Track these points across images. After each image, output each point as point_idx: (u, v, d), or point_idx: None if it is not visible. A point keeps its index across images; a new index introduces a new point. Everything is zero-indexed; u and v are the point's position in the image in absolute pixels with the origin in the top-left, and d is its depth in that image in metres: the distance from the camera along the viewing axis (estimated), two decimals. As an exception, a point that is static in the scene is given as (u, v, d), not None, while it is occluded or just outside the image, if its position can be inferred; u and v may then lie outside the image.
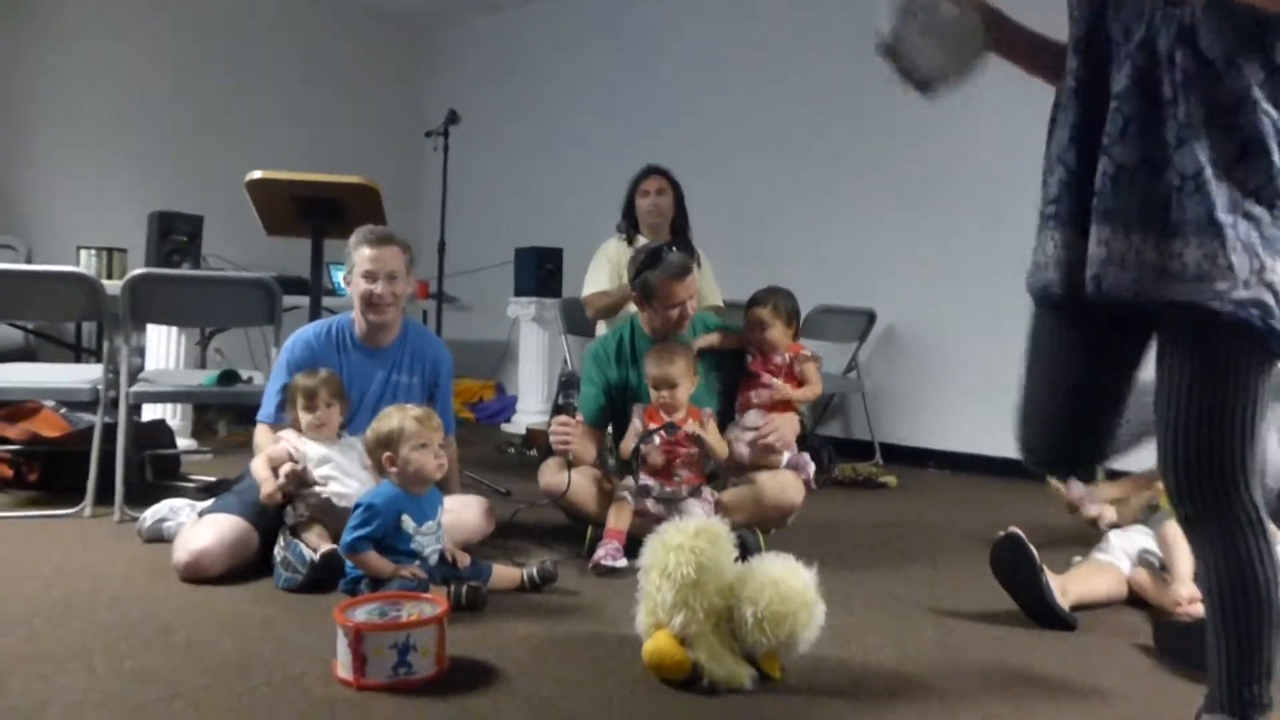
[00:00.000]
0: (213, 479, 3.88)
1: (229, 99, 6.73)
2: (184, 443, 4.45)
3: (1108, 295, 1.46)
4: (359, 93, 7.49)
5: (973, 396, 5.05)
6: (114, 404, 3.39)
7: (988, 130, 4.92)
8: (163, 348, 4.65)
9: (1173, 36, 1.41)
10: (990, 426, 4.93)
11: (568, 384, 2.91)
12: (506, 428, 6.06)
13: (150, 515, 3.02)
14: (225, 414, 5.52)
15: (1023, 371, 1.72)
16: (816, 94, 5.64)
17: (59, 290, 3.45)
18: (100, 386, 3.39)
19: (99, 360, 4.56)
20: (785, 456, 3.03)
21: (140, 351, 4.53)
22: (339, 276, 5.34)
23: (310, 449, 2.66)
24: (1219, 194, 1.38)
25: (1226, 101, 1.38)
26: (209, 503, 2.83)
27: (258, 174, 3.31)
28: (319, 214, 3.46)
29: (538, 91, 7.21)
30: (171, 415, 4.57)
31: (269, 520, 2.63)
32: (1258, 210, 1.38)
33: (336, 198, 3.41)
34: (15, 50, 5.91)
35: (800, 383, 3.15)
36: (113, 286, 3.51)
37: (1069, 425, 1.69)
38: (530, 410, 5.90)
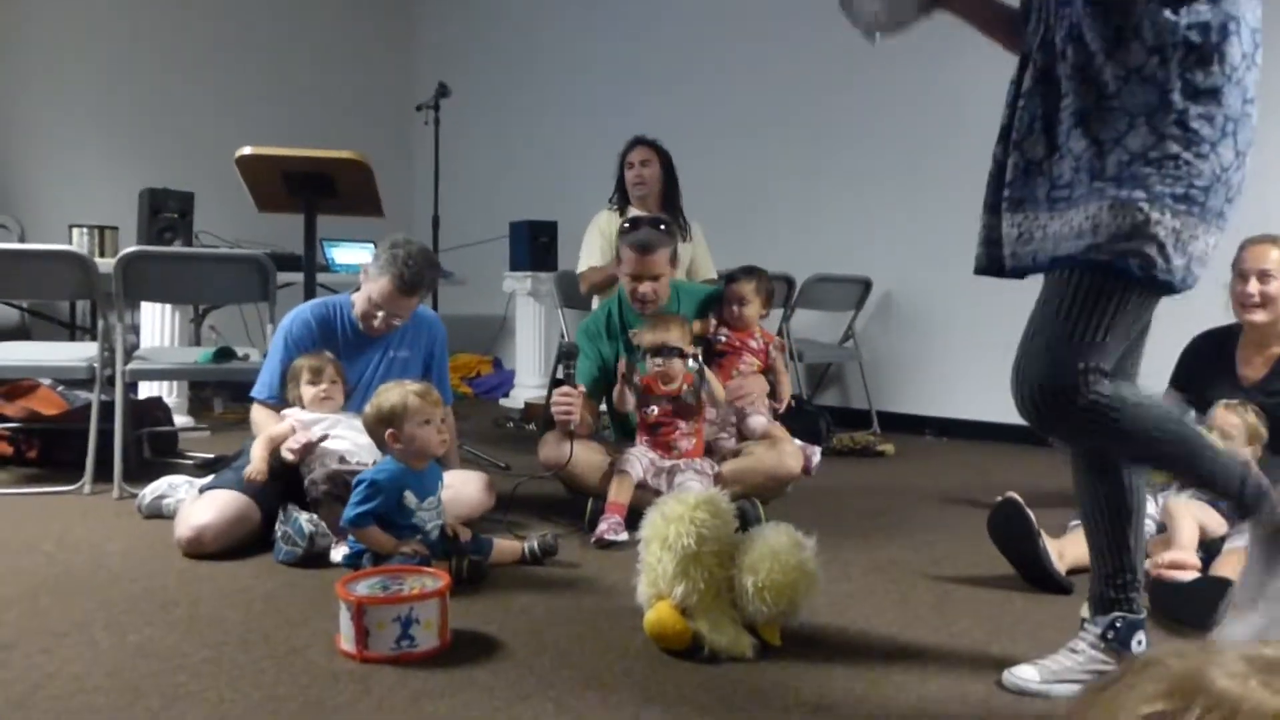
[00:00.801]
0: (210, 456, 3.89)
1: (218, 74, 6.67)
2: (180, 420, 4.45)
3: (1018, 269, 1.69)
4: (348, 66, 7.42)
5: (968, 363, 5.06)
6: (110, 382, 3.39)
7: (983, 96, 4.88)
8: (157, 325, 4.64)
9: (1064, 34, 1.58)
10: (986, 392, 4.94)
11: (567, 355, 2.92)
12: (504, 402, 6.06)
13: (149, 492, 3.03)
14: (221, 391, 5.52)
15: None
16: (811, 60, 5.60)
17: (53, 269, 3.44)
18: (96, 364, 3.39)
19: (94, 338, 4.56)
20: (760, 419, 3.07)
21: (135, 329, 4.52)
22: (332, 252, 5.34)
23: (315, 418, 2.68)
24: (1105, 165, 1.53)
25: (1110, 87, 1.53)
26: (209, 479, 2.83)
27: (247, 150, 3.28)
28: (310, 189, 3.43)
29: (528, 62, 7.15)
30: (168, 393, 4.57)
31: (270, 496, 2.64)
32: (1145, 170, 1.50)
33: (328, 173, 3.38)
34: (3, 30, 5.84)
35: (768, 368, 3.23)
36: (106, 265, 3.49)
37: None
38: (528, 384, 5.90)
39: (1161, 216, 1.49)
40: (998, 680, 1.79)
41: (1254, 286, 2.81)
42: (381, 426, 2.38)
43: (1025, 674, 1.77)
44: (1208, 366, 2.99)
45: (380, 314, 2.84)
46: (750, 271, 3.27)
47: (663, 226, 3.23)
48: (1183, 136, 1.49)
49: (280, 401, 2.84)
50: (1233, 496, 1.67)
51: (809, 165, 5.65)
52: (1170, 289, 1.55)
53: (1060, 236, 1.59)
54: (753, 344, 3.20)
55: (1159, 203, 1.49)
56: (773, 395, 3.21)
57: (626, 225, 3.21)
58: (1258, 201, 3.79)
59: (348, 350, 2.91)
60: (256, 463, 2.63)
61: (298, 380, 2.75)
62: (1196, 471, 1.68)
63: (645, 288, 3.07)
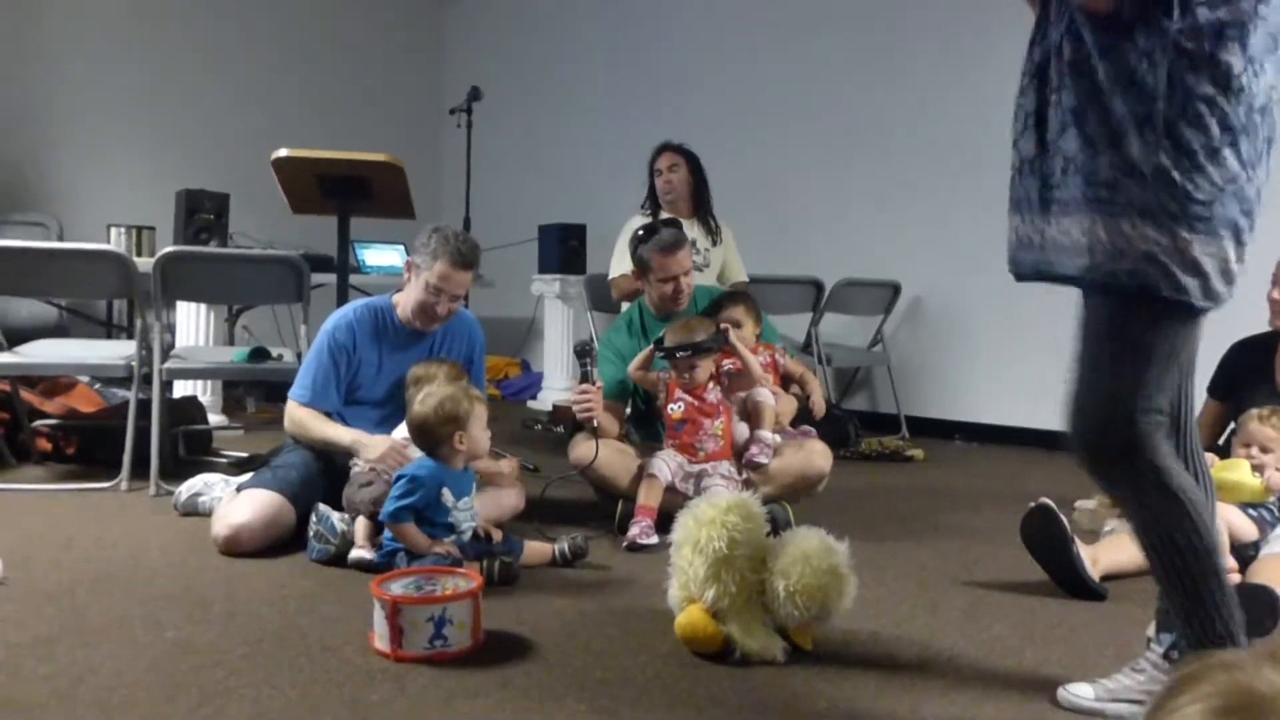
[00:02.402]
0: (244, 454, 3.93)
1: (253, 77, 6.75)
2: (214, 419, 4.50)
3: (1022, 277, 1.64)
4: (381, 69, 7.50)
5: (998, 368, 5.03)
6: (147, 380, 3.44)
7: (997, 98, 4.86)
8: (192, 325, 4.70)
9: (1062, 30, 1.52)
10: (1015, 397, 4.91)
11: (582, 353, 2.95)
12: (532, 404, 6.08)
13: (185, 489, 3.07)
14: (254, 390, 5.57)
15: None
16: (842, 62, 5.59)
17: (92, 268, 3.50)
18: (134, 363, 3.43)
19: (130, 337, 4.62)
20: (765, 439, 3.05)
21: (170, 328, 4.58)
22: (363, 254, 5.38)
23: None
24: (1097, 168, 1.47)
25: (1103, 85, 1.46)
26: (246, 477, 2.87)
27: (283, 152, 3.32)
28: (344, 192, 3.47)
29: (558, 65, 7.18)
30: (202, 392, 4.63)
31: (305, 496, 2.66)
32: (1136, 185, 1.44)
33: (362, 175, 3.42)
34: (43, 31, 5.94)
35: (784, 376, 3.26)
36: (144, 264, 3.54)
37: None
38: (556, 387, 5.92)
39: (1157, 234, 1.43)
40: (1050, 698, 1.74)
41: None
42: (448, 426, 2.39)
43: (1081, 692, 1.71)
44: (1246, 375, 2.96)
45: (441, 298, 2.84)
46: (736, 296, 3.29)
47: (670, 224, 3.28)
48: (1171, 149, 1.42)
49: (323, 406, 2.85)
50: (1197, 641, 1.56)
51: (839, 168, 5.63)
52: (1189, 309, 1.47)
53: (1059, 247, 1.54)
54: (762, 359, 3.19)
55: (1152, 221, 1.43)
56: (807, 402, 3.23)
57: (640, 233, 3.23)
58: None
59: (393, 352, 2.92)
60: (369, 450, 2.65)
61: (429, 383, 2.66)
62: (1190, 590, 1.55)
63: (680, 285, 3.12)
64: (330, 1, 7.25)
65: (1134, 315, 1.50)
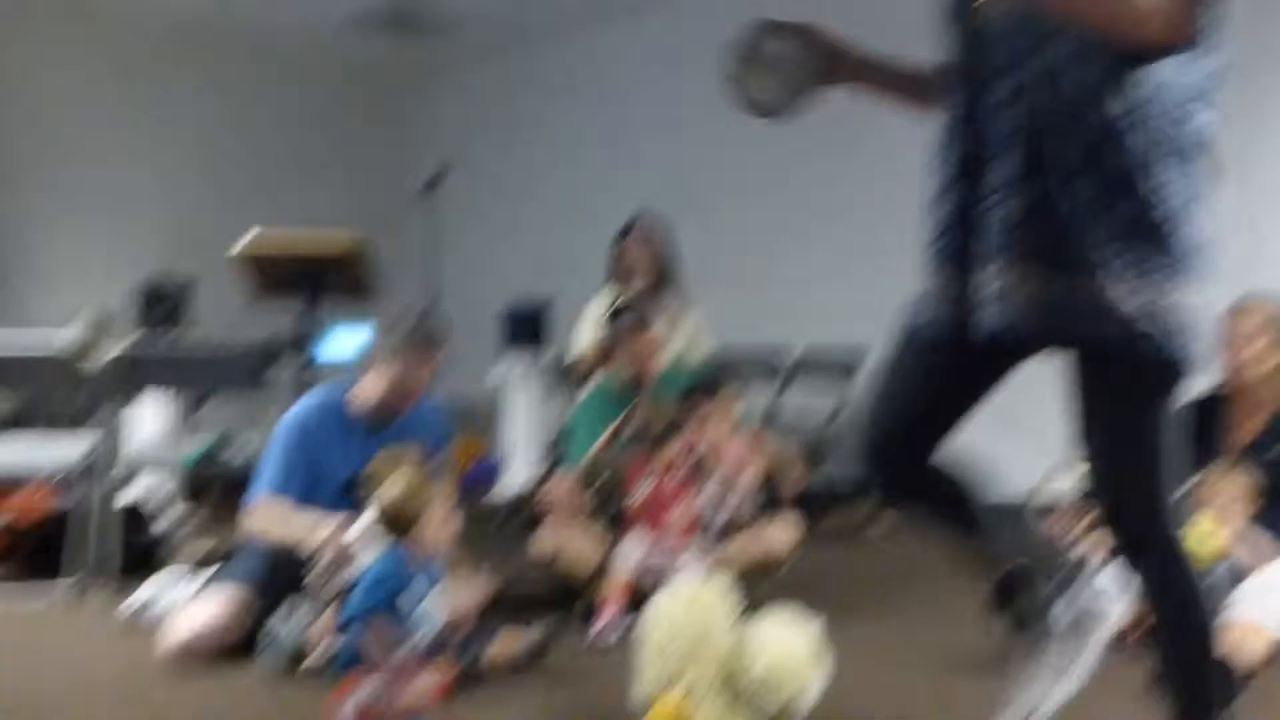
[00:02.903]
0: (202, 551, 3.83)
1: (219, 160, 6.78)
2: (172, 513, 4.40)
3: (998, 333, 1.50)
4: (343, 151, 7.53)
5: (961, 436, 5.04)
6: (102, 475, 3.36)
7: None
8: (150, 415, 4.61)
9: (1038, 77, 1.46)
10: (979, 465, 4.92)
11: (553, 442, 2.94)
12: (495, 488, 6.01)
13: (143, 592, 2.98)
14: (214, 483, 5.46)
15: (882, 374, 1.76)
16: (807, 131, 5.67)
17: (50, 360, 3.44)
18: (91, 459, 3.37)
19: (88, 429, 4.54)
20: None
21: (128, 418, 4.50)
22: (328, 338, 5.33)
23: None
24: (1095, 230, 1.42)
25: (1091, 139, 1.42)
26: (202, 578, 2.80)
27: (246, 240, 3.32)
28: (309, 277, 3.46)
29: (522, 144, 7.27)
30: (160, 485, 4.53)
31: (269, 592, 2.59)
32: (1136, 242, 1.42)
33: (326, 260, 3.41)
34: (4, 121, 5.94)
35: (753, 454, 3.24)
36: (102, 355, 3.50)
37: (905, 434, 1.72)
38: (519, 471, 5.85)
39: (1143, 290, 1.41)
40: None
41: (1232, 351, 2.85)
42: (393, 518, 2.36)
43: None
44: (1200, 432, 2.99)
45: (407, 386, 2.81)
46: (713, 386, 3.28)
47: (633, 306, 3.32)
48: (1162, 204, 1.41)
49: (283, 501, 2.80)
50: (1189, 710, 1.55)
51: (806, 236, 5.70)
52: (1174, 370, 1.46)
53: (1054, 308, 1.46)
54: (736, 448, 3.19)
55: (1143, 277, 1.41)
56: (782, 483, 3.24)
57: (610, 311, 3.28)
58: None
59: (354, 443, 2.87)
60: (321, 532, 2.58)
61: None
62: (1193, 660, 1.57)
63: (645, 367, 3.14)
64: (295, 83, 7.31)
65: (1139, 380, 1.48)
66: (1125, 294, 1.41)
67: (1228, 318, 2.88)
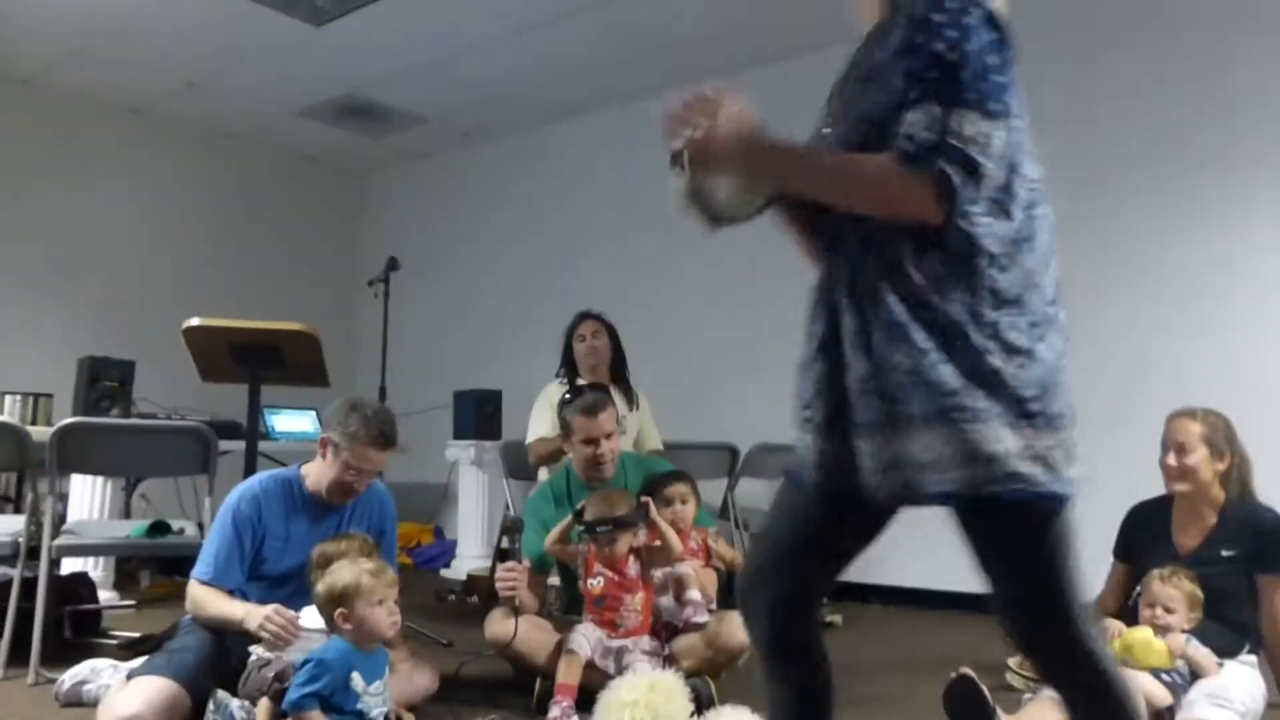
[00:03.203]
0: (136, 635, 3.70)
1: (166, 242, 6.74)
2: (105, 595, 4.25)
3: (878, 498, 1.51)
4: (294, 238, 7.55)
5: (914, 528, 5.02)
6: (34, 554, 3.24)
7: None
8: (87, 494, 4.48)
9: (861, 242, 1.52)
10: (930, 559, 4.94)
11: (511, 529, 2.90)
12: (446, 573, 5.91)
13: (69, 677, 2.86)
14: (149, 563, 5.30)
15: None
16: (748, 229, 5.82)
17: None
18: (22, 539, 3.25)
19: (17, 509, 4.39)
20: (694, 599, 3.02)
21: (63, 497, 4.37)
22: (272, 420, 5.27)
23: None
24: (940, 380, 1.43)
25: (920, 296, 1.45)
26: (137, 663, 2.69)
27: (195, 321, 3.29)
28: (257, 360, 3.43)
29: (472, 236, 7.35)
30: (93, 566, 4.38)
31: (203, 683, 2.50)
32: (972, 389, 1.42)
33: (275, 344, 3.39)
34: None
35: (711, 555, 3.26)
36: (39, 434, 3.41)
37: (784, 589, 1.71)
38: (470, 555, 5.78)
39: (1011, 438, 1.41)
40: None
41: (1173, 459, 2.91)
42: (332, 605, 2.30)
43: None
44: (1145, 536, 3.05)
45: (360, 477, 2.79)
46: (678, 475, 3.30)
47: (594, 389, 3.32)
48: (1000, 349, 1.43)
49: (226, 584, 2.72)
50: None
51: (750, 336, 5.78)
52: (1054, 500, 1.44)
53: (924, 467, 1.45)
54: (691, 544, 3.19)
55: (996, 422, 1.41)
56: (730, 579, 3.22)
57: (567, 396, 3.28)
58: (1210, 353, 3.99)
59: (301, 524, 2.83)
60: (256, 617, 2.50)
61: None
62: None
63: (601, 448, 3.12)
64: (247, 170, 7.34)
65: (1022, 522, 1.46)
66: (976, 444, 1.41)
67: (1168, 427, 2.97)
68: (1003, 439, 1.40)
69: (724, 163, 1.50)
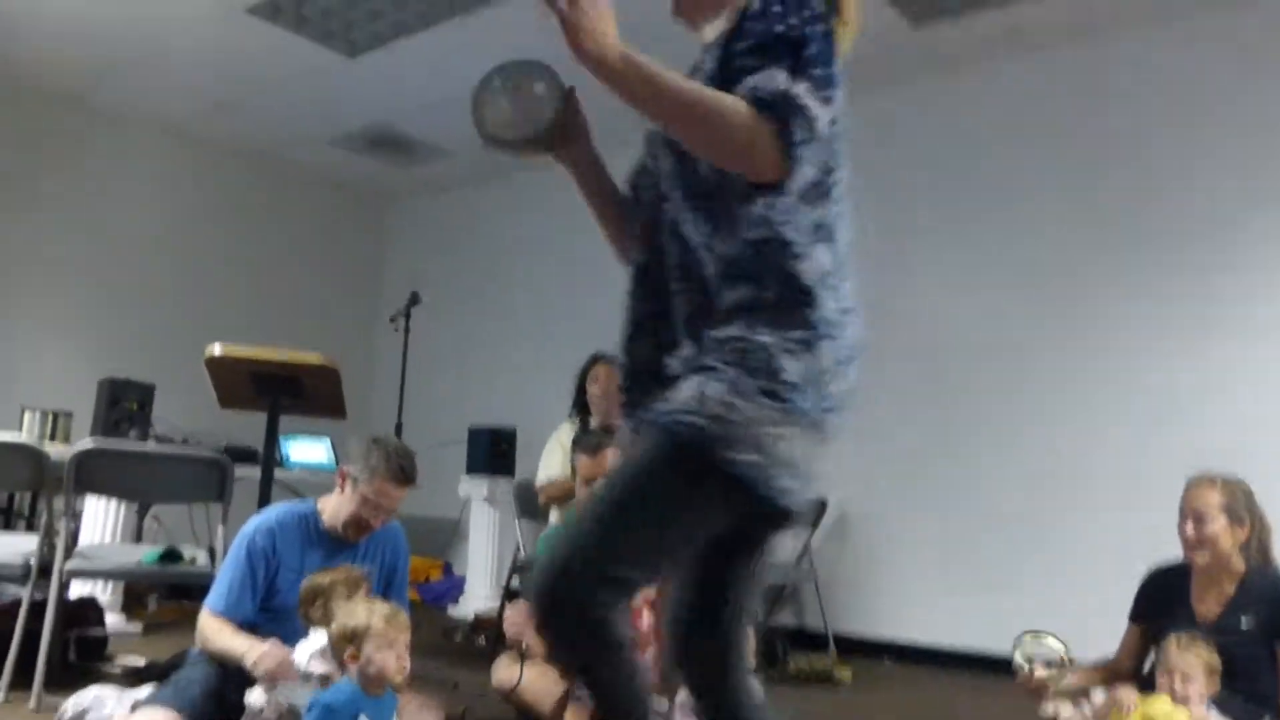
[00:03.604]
0: (141, 662, 3.68)
1: (190, 269, 6.80)
2: (112, 618, 4.24)
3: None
4: (317, 264, 7.60)
5: (926, 587, 5.03)
6: (43, 573, 3.23)
7: (933, 313, 5.11)
8: (99, 516, 4.49)
9: (670, 223, 1.56)
10: (944, 617, 4.90)
11: (522, 569, 2.88)
12: (454, 610, 5.87)
13: (72, 705, 2.83)
14: (157, 587, 5.29)
15: None
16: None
17: (1, 459, 3.36)
18: (34, 560, 3.25)
19: (30, 528, 4.40)
20: None
21: (76, 516, 4.38)
22: (288, 447, 5.27)
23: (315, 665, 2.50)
24: (685, 350, 1.48)
25: (711, 284, 1.48)
26: (142, 692, 2.67)
27: (218, 349, 3.31)
28: (276, 390, 3.44)
29: (492, 271, 7.38)
30: (101, 589, 4.37)
31: (208, 717, 2.48)
32: (731, 356, 1.42)
33: (295, 375, 3.40)
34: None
35: None
36: (56, 452, 3.42)
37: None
38: (479, 595, 5.73)
39: (735, 400, 1.39)
40: None
41: (1191, 528, 2.87)
42: (343, 644, 2.29)
43: None
44: (1163, 602, 3.01)
45: (378, 513, 2.80)
46: None
47: (607, 430, 3.33)
48: (774, 332, 1.42)
49: (238, 615, 2.71)
50: None
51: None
52: (745, 484, 1.40)
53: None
54: None
55: (736, 386, 1.39)
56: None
57: (578, 441, 3.31)
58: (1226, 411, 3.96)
59: (316, 559, 2.81)
60: (255, 654, 2.48)
61: (328, 598, 2.58)
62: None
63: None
64: (273, 201, 7.41)
65: (665, 462, 1.43)
66: (689, 394, 1.41)
67: (1186, 494, 2.93)
68: (732, 403, 1.40)
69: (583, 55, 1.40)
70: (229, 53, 5.57)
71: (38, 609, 3.20)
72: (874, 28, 4.59)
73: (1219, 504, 2.85)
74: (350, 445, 2.85)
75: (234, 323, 6.01)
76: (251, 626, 2.72)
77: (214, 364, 3.33)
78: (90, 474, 3.36)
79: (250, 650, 2.53)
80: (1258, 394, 4.27)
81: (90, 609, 3.90)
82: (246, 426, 3.96)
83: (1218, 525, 2.84)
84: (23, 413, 4.44)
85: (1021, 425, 4.86)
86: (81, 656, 3.67)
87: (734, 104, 1.42)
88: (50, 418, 4.49)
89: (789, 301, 1.44)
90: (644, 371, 1.58)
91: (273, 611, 2.77)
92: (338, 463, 4.77)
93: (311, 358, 3.38)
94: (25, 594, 3.25)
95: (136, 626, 4.50)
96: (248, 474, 3.84)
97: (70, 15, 5.20)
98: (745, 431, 1.38)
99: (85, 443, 3.42)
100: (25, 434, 4.27)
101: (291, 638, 2.64)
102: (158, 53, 5.61)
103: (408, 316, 5.05)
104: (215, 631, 2.68)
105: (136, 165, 6.66)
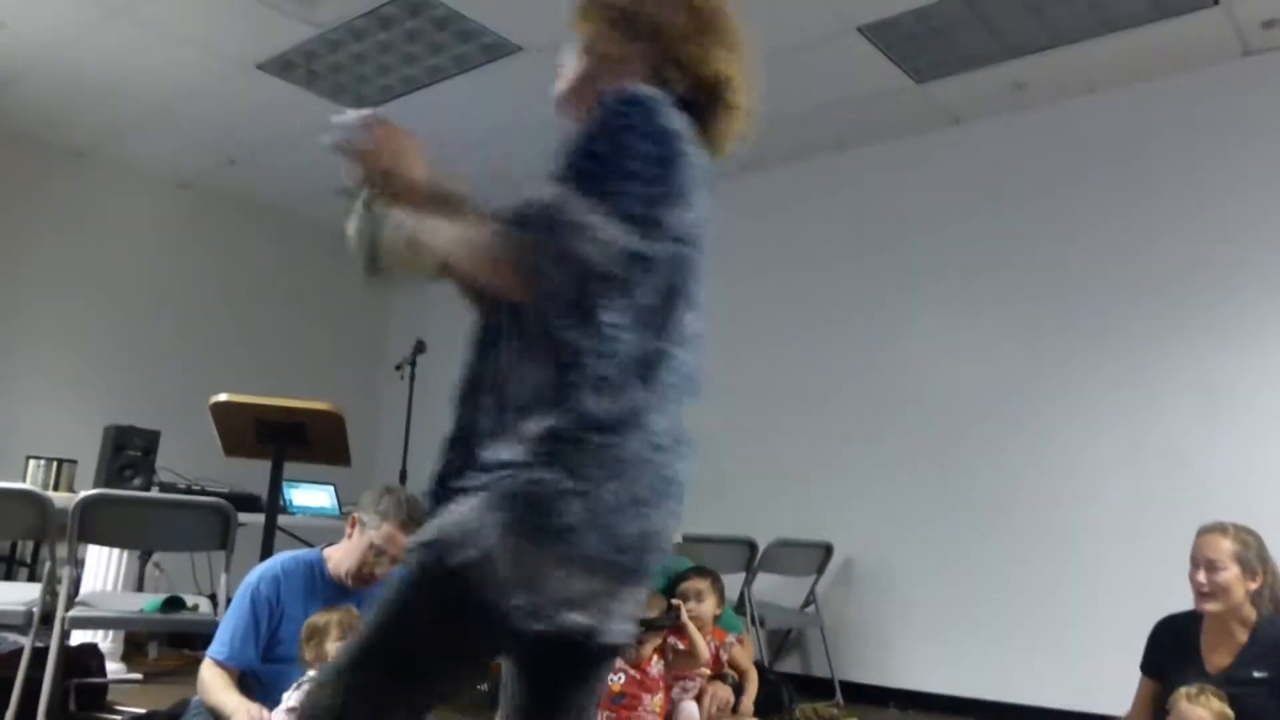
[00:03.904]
0: (142, 711, 3.65)
1: (194, 316, 6.83)
2: (113, 666, 4.21)
3: None
4: (321, 314, 7.62)
5: (933, 633, 4.99)
6: (45, 621, 3.22)
7: (937, 364, 5.12)
8: (101, 565, 4.47)
9: (490, 330, 1.51)
10: (951, 665, 4.85)
11: None
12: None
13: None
14: (158, 635, 5.26)
15: None
16: (767, 327, 5.86)
17: (5, 507, 3.35)
18: (36, 609, 3.23)
19: (33, 576, 4.37)
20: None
21: (79, 563, 4.36)
22: (291, 494, 5.25)
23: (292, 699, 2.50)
24: (482, 457, 1.37)
25: (505, 388, 1.42)
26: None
27: (223, 397, 3.32)
28: (281, 438, 3.45)
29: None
30: (103, 637, 4.35)
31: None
32: (505, 477, 1.30)
33: (300, 422, 3.41)
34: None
35: (723, 664, 3.23)
36: (61, 500, 3.42)
37: None
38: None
39: (505, 536, 1.26)
40: None
41: (1203, 577, 2.85)
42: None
43: None
44: (1174, 652, 2.98)
45: (384, 559, 2.79)
46: (702, 570, 3.29)
47: None
48: (562, 469, 1.28)
49: (240, 664, 2.70)
50: None
51: (770, 430, 5.77)
52: (497, 618, 1.26)
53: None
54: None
55: (511, 520, 1.27)
56: (741, 693, 3.17)
57: None
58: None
59: (321, 603, 2.81)
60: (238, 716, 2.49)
61: (322, 639, 2.59)
62: None
63: None
64: (279, 251, 7.45)
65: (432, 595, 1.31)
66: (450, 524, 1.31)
67: (1198, 543, 2.91)
68: (490, 538, 1.27)
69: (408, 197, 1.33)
70: (239, 109, 5.65)
71: (39, 656, 3.19)
72: (878, 84, 4.69)
73: (1231, 552, 2.83)
74: (364, 494, 2.86)
75: (239, 371, 6.03)
76: (255, 676, 2.71)
77: (219, 410, 3.35)
78: (94, 523, 3.36)
79: (237, 711, 2.54)
80: (1260, 446, 4.26)
81: (91, 656, 3.88)
82: (250, 474, 3.95)
83: (1230, 574, 2.82)
84: (27, 461, 4.44)
85: (1024, 477, 4.86)
86: (82, 705, 3.64)
87: (481, 218, 1.36)
88: (54, 465, 4.48)
89: (584, 441, 1.30)
90: (458, 439, 1.48)
91: (276, 661, 2.75)
92: (341, 510, 4.77)
93: (316, 405, 3.40)
94: (27, 642, 3.23)
95: (137, 676, 4.46)
96: (252, 520, 3.83)
97: (81, 71, 5.29)
98: (511, 570, 1.25)
99: (89, 491, 3.42)
100: (29, 482, 4.27)
101: (290, 687, 2.63)
102: (168, 108, 5.69)
103: (414, 364, 5.06)
104: (212, 683, 2.67)
105: (143, 217, 6.73)
